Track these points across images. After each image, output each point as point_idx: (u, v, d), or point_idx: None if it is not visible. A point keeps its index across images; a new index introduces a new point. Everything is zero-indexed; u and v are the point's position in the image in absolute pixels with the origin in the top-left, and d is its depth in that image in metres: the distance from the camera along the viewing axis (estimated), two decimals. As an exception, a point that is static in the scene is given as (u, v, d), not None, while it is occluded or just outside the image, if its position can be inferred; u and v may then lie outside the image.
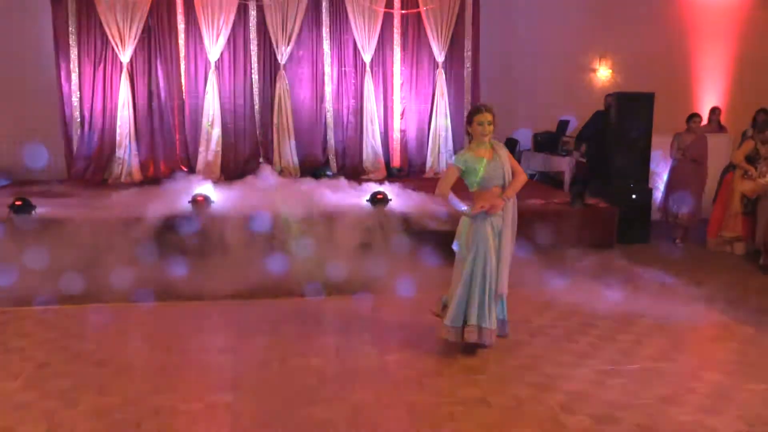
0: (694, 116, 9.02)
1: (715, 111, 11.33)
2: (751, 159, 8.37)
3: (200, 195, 8.22)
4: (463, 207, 4.84)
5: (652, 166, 9.46)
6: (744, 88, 12.78)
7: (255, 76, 11.18)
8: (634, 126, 9.15)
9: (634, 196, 9.00)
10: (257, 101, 11.22)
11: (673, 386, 4.45)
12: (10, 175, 10.70)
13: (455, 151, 11.79)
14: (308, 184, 9.56)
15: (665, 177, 9.38)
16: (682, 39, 12.93)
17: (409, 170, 11.70)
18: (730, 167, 8.86)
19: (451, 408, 4.12)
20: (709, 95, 12.93)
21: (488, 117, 4.78)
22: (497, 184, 4.81)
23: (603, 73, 12.78)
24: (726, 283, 7.06)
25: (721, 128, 11.13)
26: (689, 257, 8.22)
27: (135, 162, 10.86)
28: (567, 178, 10.84)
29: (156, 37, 10.89)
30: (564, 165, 11.20)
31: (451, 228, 7.38)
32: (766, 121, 9.05)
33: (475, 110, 4.82)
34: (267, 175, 9.94)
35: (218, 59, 10.97)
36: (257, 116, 11.24)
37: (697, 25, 12.96)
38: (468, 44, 11.72)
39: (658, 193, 9.43)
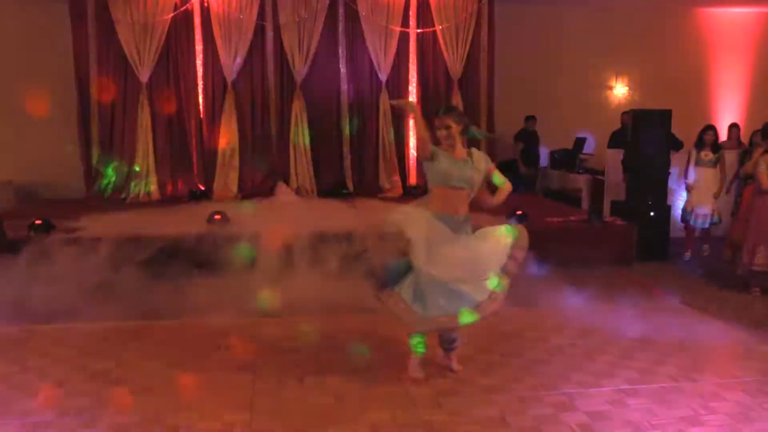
0: None
1: (733, 128, 11.29)
2: None
3: (218, 213, 8.27)
4: None
5: (671, 183, 9.37)
6: (762, 103, 12.73)
7: (272, 96, 11.27)
8: (651, 142, 9.08)
9: (652, 213, 8.93)
10: (274, 120, 11.29)
11: (694, 406, 4.38)
12: (31, 195, 10.83)
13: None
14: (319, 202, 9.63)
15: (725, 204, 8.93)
16: (699, 55, 12.92)
17: (425, 188, 11.67)
18: (748, 179, 8.22)
19: (469, 428, 4.08)
20: (727, 111, 12.88)
21: (445, 121, 4.62)
22: (459, 186, 4.62)
23: (619, 91, 12.77)
24: (746, 301, 6.98)
25: (740, 145, 11.07)
26: (709, 275, 8.13)
27: (153, 181, 10.95)
28: (585, 195, 10.81)
29: (174, 58, 11.03)
30: (581, 182, 11.18)
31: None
32: None
33: (436, 112, 4.68)
34: (284, 195, 9.99)
35: (235, 79, 11.07)
36: (274, 135, 11.31)
37: (714, 42, 12.95)
38: (483, 63, 11.76)
39: (677, 209, 9.31)
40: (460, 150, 4.68)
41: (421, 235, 4.52)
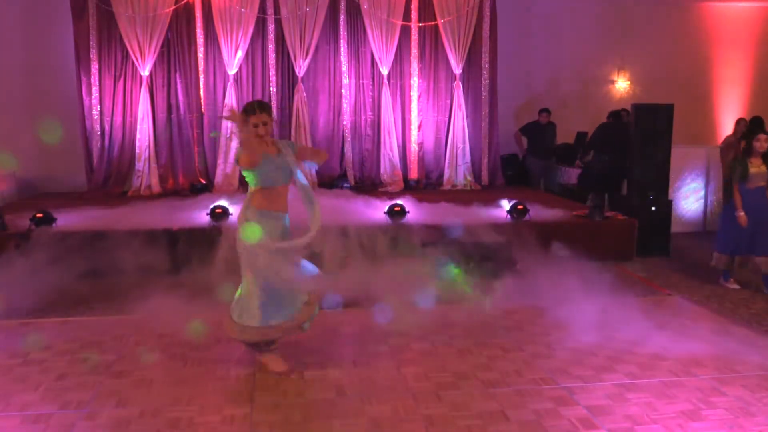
0: None
1: (740, 123, 11.26)
2: None
3: (219, 207, 8.27)
4: None
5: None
6: (764, 98, 12.70)
7: (273, 89, 11.26)
8: (653, 137, 9.05)
9: (653, 208, 8.92)
10: (275, 114, 11.28)
11: (694, 401, 4.39)
12: (32, 188, 10.84)
13: (473, 164, 11.78)
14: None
15: None
16: (702, 50, 12.89)
17: (426, 182, 11.70)
18: None
19: (469, 422, 4.09)
20: (730, 106, 12.85)
21: (263, 117, 4.55)
22: (283, 182, 4.65)
23: (621, 85, 12.74)
24: (746, 297, 6.99)
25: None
26: (711, 270, 8.12)
27: (154, 174, 10.95)
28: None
29: (175, 51, 11.02)
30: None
31: (474, 239, 7.47)
32: None
33: (250, 110, 4.54)
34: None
35: (236, 72, 11.07)
36: (275, 129, 11.30)
37: (717, 36, 12.91)
38: (485, 57, 11.72)
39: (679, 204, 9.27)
40: (273, 145, 4.70)
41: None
